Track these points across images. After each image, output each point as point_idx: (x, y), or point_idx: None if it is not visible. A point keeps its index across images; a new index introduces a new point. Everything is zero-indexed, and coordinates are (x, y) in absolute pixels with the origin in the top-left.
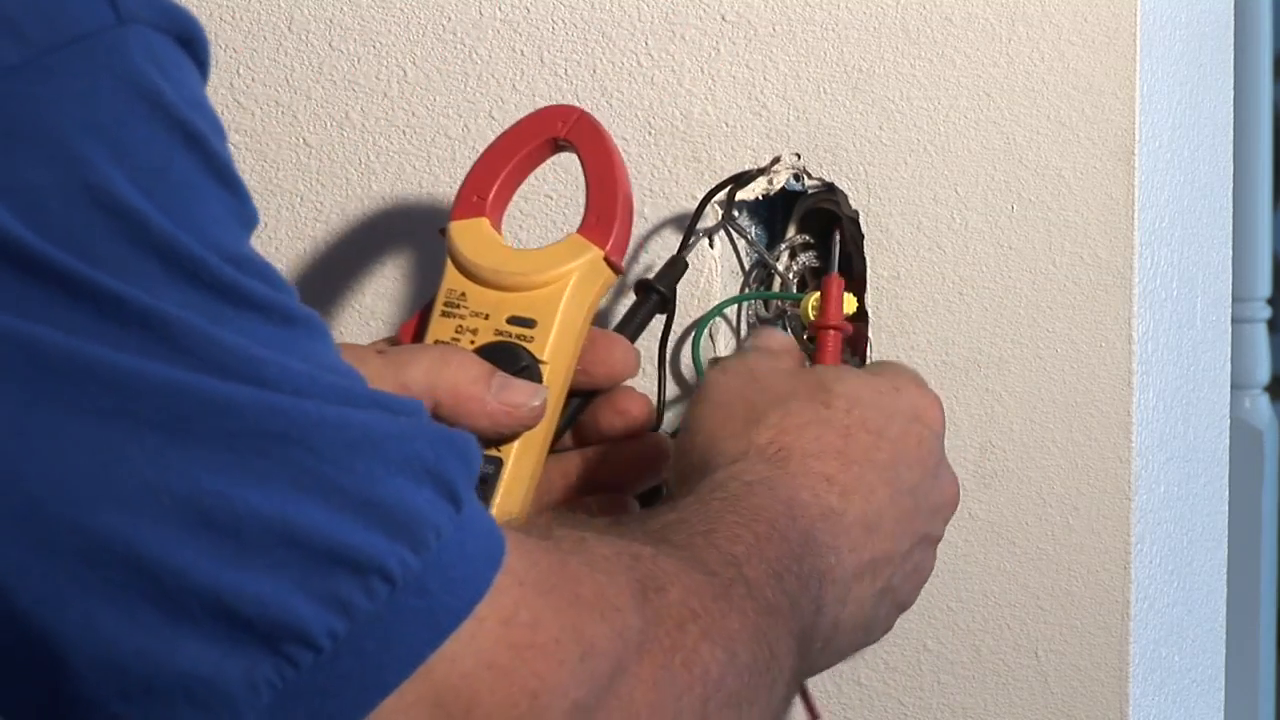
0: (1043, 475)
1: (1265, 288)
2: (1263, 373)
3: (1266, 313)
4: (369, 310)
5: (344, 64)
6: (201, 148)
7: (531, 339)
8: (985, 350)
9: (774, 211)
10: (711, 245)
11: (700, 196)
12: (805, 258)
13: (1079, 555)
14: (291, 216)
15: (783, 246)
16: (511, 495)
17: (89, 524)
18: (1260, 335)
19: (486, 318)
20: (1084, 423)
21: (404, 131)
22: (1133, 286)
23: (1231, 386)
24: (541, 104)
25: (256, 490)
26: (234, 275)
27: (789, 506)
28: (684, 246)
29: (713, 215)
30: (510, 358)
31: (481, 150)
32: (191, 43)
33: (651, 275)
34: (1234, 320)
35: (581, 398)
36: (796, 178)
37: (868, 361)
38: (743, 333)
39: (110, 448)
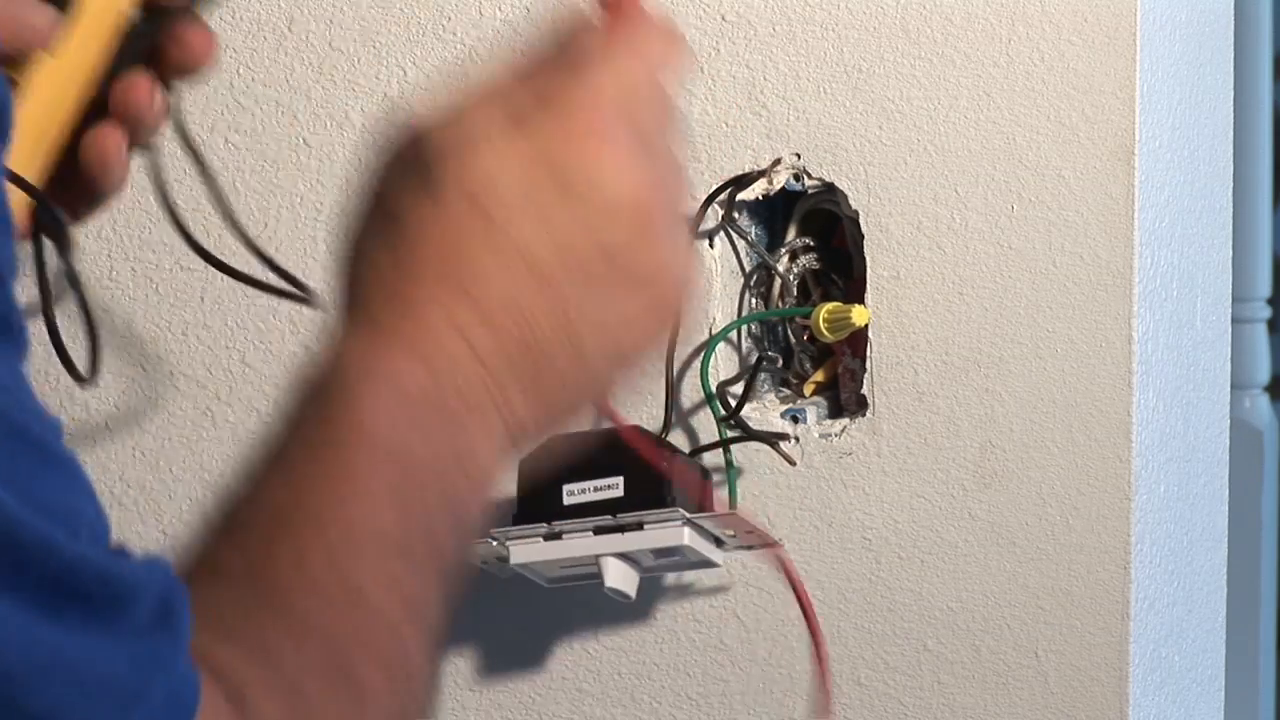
0: (1043, 475)
1: (1265, 288)
2: (1263, 373)
3: (1266, 313)
4: None
5: (344, 64)
6: None
7: None
8: (985, 350)
9: (774, 212)
10: (711, 246)
11: (700, 197)
12: (806, 259)
13: (1079, 555)
14: (291, 216)
15: (783, 250)
16: (31, 123)
17: None
18: (1260, 335)
19: None
20: (1084, 423)
21: None
22: (1133, 286)
23: (1231, 386)
24: None
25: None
26: None
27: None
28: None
29: (713, 216)
30: None
31: None
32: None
33: None
34: (1234, 320)
35: (146, 24)
36: (796, 178)
37: (868, 363)
38: (743, 348)
39: None
